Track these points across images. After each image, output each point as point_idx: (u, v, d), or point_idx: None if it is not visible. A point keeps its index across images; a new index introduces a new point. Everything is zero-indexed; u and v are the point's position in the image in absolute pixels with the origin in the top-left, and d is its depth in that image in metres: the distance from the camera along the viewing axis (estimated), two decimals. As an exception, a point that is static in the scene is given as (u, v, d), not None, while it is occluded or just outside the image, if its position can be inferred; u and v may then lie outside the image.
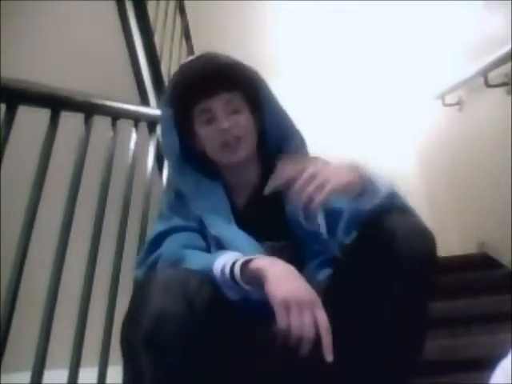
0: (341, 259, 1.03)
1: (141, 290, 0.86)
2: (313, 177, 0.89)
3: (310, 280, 0.95)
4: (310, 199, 0.89)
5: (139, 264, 1.11)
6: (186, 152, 1.15)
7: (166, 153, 1.20)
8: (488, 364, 0.90)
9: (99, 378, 1.39)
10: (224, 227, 1.09)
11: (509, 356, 0.85)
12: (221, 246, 1.06)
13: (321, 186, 0.88)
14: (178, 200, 1.16)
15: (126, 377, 0.83)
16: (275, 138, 1.16)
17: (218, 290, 0.90)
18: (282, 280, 0.87)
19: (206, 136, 1.09)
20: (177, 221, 1.12)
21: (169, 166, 1.21)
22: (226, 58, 1.12)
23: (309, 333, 0.83)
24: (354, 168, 0.95)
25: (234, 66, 1.10)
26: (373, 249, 0.90)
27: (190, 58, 1.19)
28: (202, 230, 1.12)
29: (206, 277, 0.89)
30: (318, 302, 0.86)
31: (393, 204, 0.96)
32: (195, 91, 1.07)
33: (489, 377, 0.87)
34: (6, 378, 1.53)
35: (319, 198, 0.88)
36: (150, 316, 0.80)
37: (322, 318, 0.84)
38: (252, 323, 0.96)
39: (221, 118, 1.06)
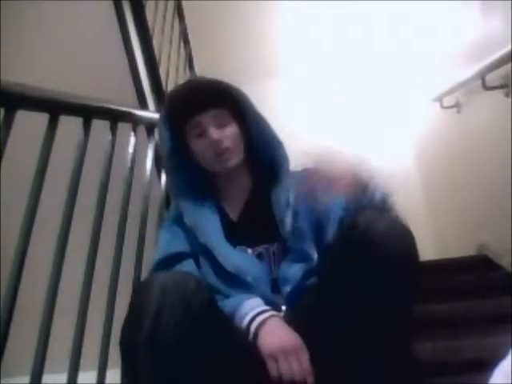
0: (322, 263, 1.06)
1: (139, 291, 0.87)
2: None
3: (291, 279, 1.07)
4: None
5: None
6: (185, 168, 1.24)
7: (168, 173, 1.30)
8: (488, 365, 0.90)
9: (98, 381, 1.38)
10: (214, 239, 1.16)
11: (508, 356, 0.85)
12: (208, 253, 1.14)
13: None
14: (178, 220, 1.25)
15: (125, 378, 0.84)
16: (263, 149, 1.24)
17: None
18: (269, 334, 0.98)
19: (199, 148, 1.18)
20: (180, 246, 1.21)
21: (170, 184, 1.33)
22: (212, 79, 1.22)
23: (299, 375, 0.93)
24: (355, 172, 1.01)
25: (219, 85, 1.20)
26: (350, 251, 0.91)
27: (180, 83, 1.31)
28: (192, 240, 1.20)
29: (203, 279, 0.93)
30: (302, 346, 0.96)
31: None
32: (186, 109, 1.17)
33: (489, 378, 0.86)
34: (5, 381, 1.53)
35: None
36: (149, 317, 0.81)
37: (305, 361, 0.95)
38: None
39: (210, 131, 1.14)
